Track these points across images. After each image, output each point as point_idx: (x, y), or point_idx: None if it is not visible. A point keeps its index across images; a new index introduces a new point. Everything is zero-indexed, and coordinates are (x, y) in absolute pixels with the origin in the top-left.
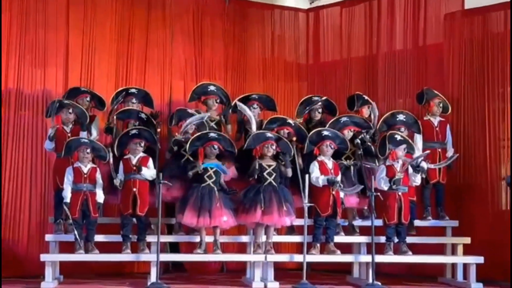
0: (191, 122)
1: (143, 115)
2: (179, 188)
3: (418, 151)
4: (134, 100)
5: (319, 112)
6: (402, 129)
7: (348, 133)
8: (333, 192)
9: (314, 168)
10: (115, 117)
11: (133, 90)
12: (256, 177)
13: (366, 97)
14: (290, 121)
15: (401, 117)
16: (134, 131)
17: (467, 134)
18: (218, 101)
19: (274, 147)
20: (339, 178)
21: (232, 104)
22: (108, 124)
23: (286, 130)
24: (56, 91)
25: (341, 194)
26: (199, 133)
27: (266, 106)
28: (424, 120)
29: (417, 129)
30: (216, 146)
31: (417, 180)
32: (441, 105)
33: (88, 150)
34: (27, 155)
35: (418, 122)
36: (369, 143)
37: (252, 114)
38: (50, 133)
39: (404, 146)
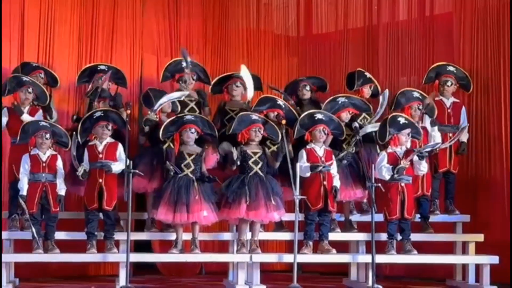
0: (169, 100)
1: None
2: (160, 178)
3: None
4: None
5: (307, 90)
6: (421, 106)
7: (346, 116)
8: (325, 183)
9: (301, 157)
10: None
11: (102, 67)
12: (238, 164)
13: (368, 75)
14: (281, 102)
15: (416, 94)
16: (98, 113)
17: (480, 117)
18: (195, 77)
19: (261, 131)
20: (334, 166)
21: (211, 84)
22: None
23: (276, 112)
24: (10, 67)
25: (335, 182)
26: (174, 117)
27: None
28: (435, 100)
29: (430, 110)
30: (193, 130)
31: (422, 168)
32: (448, 83)
33: (48, 135)
34: None
35: (431, 102)
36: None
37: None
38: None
39: (408, 130)
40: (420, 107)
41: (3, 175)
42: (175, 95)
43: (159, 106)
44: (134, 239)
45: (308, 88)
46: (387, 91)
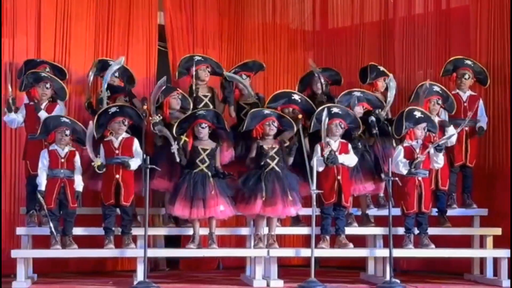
0: (154, 98)
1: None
2: (179, 176)
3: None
4: (116, 74)
5: (321, 84)
6: (440, 101)
7: (360, 110)
8: (339, 177)
9: (316, 151)
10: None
11: (112, 63)
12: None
13: (382, 68)
14: (296, 97)
15: (436, 88)
16: (114, 109)
17: (497, 110)
18: (209, 70)
19: (276, 124)
20: (348, 157)
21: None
22: (89, 99)
23: (291, 108)
24: None
25: (341, 159)
26: (187, 114)
27: (255, 70)
28: (451, 94)
29: (450, 106)
30: (204, 125)
31: (439, 160)
32: (466, 76)
33: (68, 132)
34: None
35: (451, 97)
36: (385, 122)
37: (245, 81)
38: (9, 99)
39: (424, 125)
40: (440, 101)
41: (19, 171)
42: (156, 88)
43: (153, 108)
44: (151, 234)
45: (322, 81)
46: (391, 77)
